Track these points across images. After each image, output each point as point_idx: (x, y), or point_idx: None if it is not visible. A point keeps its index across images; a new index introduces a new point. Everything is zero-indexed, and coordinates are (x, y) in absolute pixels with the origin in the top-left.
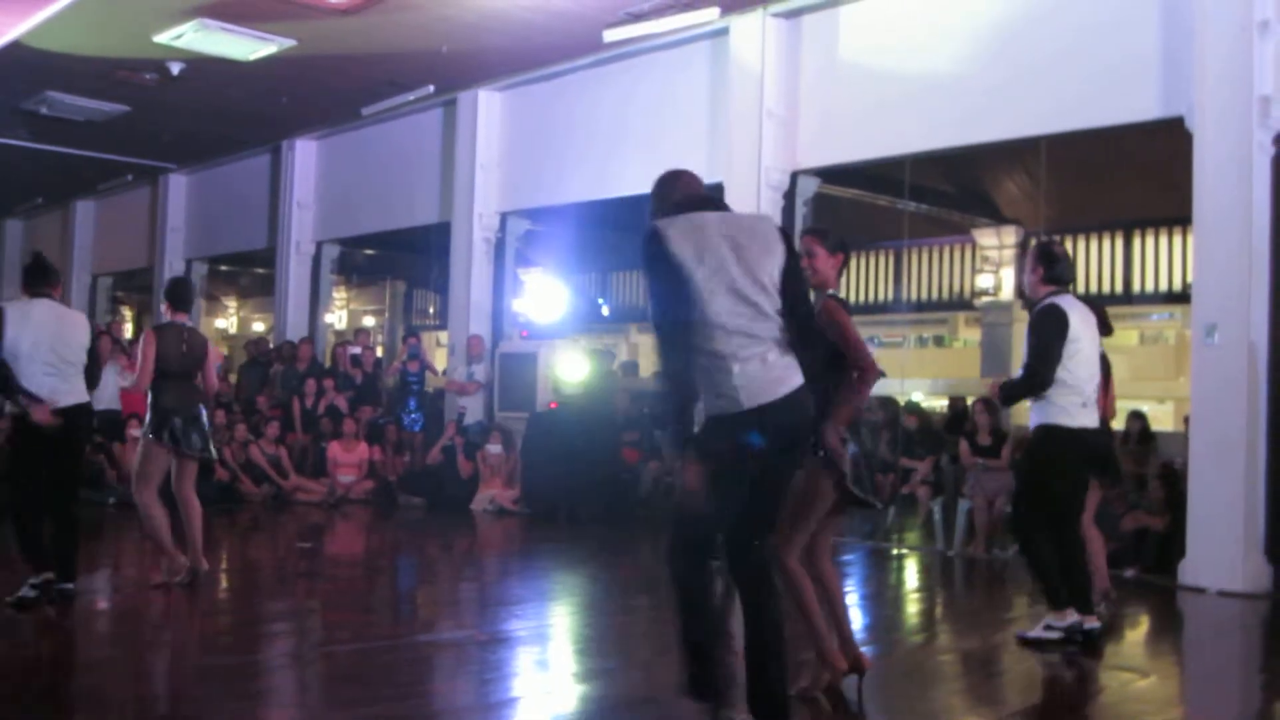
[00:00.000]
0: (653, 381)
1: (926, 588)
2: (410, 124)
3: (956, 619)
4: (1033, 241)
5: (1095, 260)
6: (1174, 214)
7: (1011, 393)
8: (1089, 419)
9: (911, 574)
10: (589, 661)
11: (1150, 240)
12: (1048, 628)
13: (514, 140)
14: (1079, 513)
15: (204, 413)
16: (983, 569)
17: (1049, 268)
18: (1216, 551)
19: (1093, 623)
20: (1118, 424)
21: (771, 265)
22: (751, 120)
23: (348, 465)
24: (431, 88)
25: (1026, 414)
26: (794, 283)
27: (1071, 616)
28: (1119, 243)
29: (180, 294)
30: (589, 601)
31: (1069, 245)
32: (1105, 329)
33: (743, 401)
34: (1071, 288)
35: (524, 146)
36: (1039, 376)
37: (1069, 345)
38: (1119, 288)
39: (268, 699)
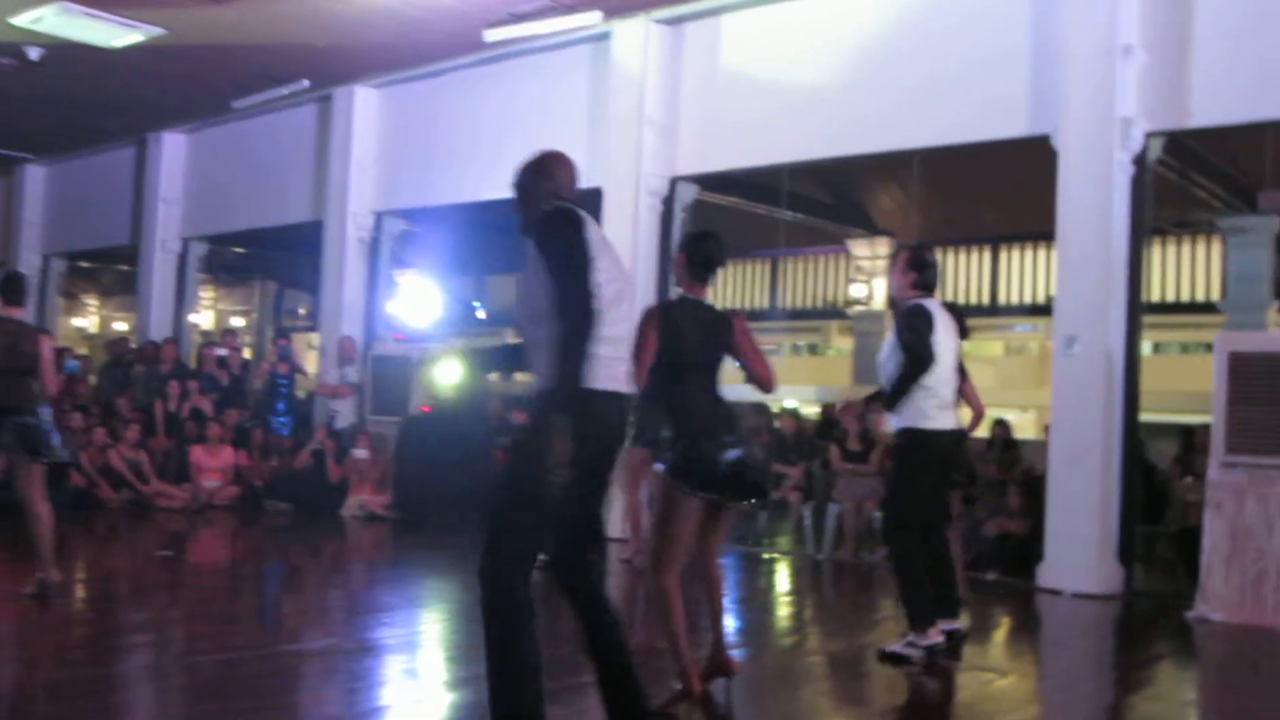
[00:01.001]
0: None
1: (796, 591)
2: (284, 119)
3: (825, 621)
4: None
5: (963, 272)
6: (1039, 229)
7: (897, 389)
8: (946, 420)
9: (782, 578)
10: (459, 669)
11: (1016, 254)
12: (910, 645)
13: (391, 139)
14: (945, 516)
15: (44, 413)
16: (851, 572)
17: (920, 273)
18: (1073, 555)
19: (956, 624)
20: (982, 432)
21: (629, 279)
22: (632, 126)
23: (212, 470)
24: (306, 82)
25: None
26: None
27: (935, 636)
28: (986, 256)
29: (12, 288)
30: (460, 609)
31: (938, 257)
32: (963, 333)
33: (594, 379)
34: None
35: (401, 145)
36: (921, 361)
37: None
38: (985, 299)
39: (124, 714)
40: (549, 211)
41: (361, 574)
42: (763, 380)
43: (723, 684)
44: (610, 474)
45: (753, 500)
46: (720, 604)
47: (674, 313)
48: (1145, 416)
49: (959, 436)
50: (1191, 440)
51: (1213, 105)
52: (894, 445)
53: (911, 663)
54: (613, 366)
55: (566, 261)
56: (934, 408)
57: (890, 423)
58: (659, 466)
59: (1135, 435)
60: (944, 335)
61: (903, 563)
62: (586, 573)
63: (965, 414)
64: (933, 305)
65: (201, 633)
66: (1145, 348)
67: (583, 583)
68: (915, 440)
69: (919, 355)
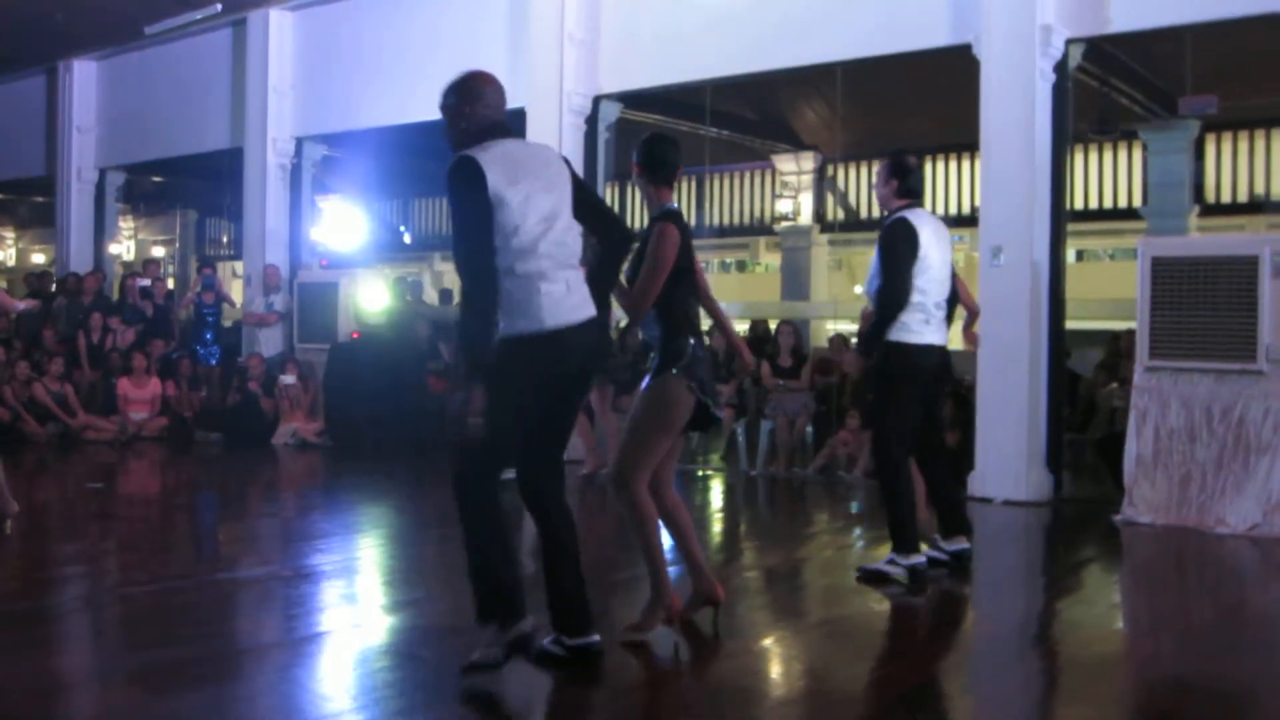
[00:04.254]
0: (453, 308)
1: (730, 507)
2: (198, 44)
3: (760, 537)
4: (830, 168)
5: None
6: (963, 140)
7: (874, 335)
8: (935, 336)
9: (716, 494)
10: (397, 593)
11: (941, 165)
12: (892, 563)
13: (309, 62)
14: (941, 435)
15: None
16: (784, 487)
17: (903, 179)
18: (1002, 463)
19: (963, 544)
20: None
21: (565, 190)
22: (553, 43)
23: (139, 401)
24: (219, 6)
25: (824, 337)
26: (587, 199)
27: (917, 557)
28: None
29: None
30: (395, 533)
31: (864, 171)
32: None
33: (545, 321)
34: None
35: (320, 69)
36: (895, 301)
37: (919, 262)
38: None
39: (58, 645)
40: (453, 162)
41: (295, 502)
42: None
43: (709, 613)
44: (575, 405)
45: (707, 425)
46: (691, 533)
47: (681, 220)
48: (1072, 324)
49: (946, 354)
50: (1117, 346)
51: (1131, 10)
52: (876, 359)
53: (893, 581)
54: (560, 298)
55: (456, 220)
56: (919, 321)
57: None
58: (657, 371)
59: (1062, 343)
60: (933, 247)
61: (890, 483)
62: (551, 490)
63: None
64: (918, 216)
65: (135, 563)
66: (1070, 256)
67: (549, 501)
68: (899, 355)
69: (894, 294)
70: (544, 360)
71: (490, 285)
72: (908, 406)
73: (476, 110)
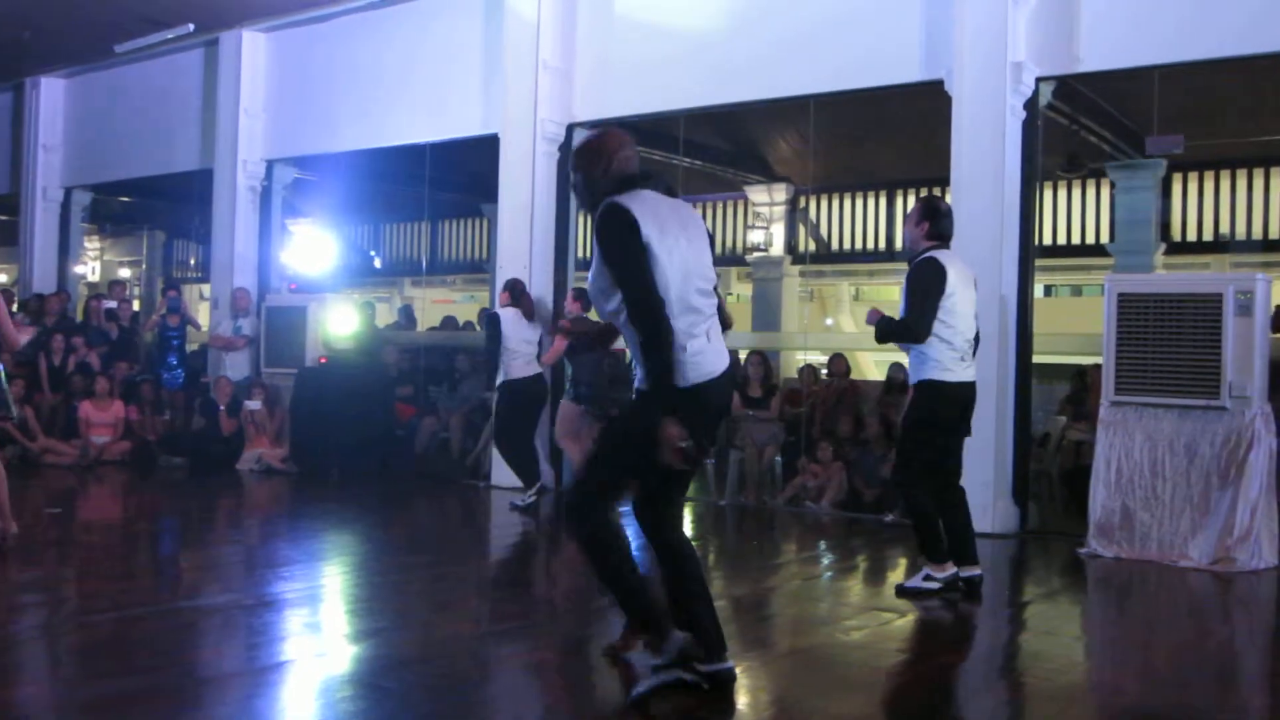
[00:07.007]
0: (421, 333)
1: (699, 536)
2: (169, 64)
3: (728, 566)
4: (802, 200)
5: (860, 218)
6: (934, 175)
7: (887, 331)
8: (966, 373)
9: (685, 523)
10: (361, 622)
11: (912, 199)
12: (927, 578)
13: (281, 84)
14: (959, 466)
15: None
16: (753, 517)
17: (934, 222)
18: (969, 495)
19: (974, 571)
20: (879, 375)
21: (706, 247)
22: (527, 71)
23: (101, 425)
24: (191, 26)
25: (794, 367)
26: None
27: (950, 569)
28: (883, 201)
29: None
30: (361, 561)
31: (836, 203)
32: None
33: (690, 377)
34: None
35: (292, 91)
36: (914, 330)
37: (946, 299)
38: (882, 245)
39: (14, 675)
40: (605, 209)
41: (259, 529)
42: None
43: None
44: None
45: None
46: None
47: None
48: (1038, 358)
49: (974, 390)
50: (1084, 380)
51: (1100, 51)
52: (913, 396)
53: (930, 596)
54: (703, 351)
55: (618, 270)
56: (954, 360)
57: (909, 374)
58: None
59: (1029, 377)
60: (960, 288)
61: (915, 504)
62: (673, 528)
63: None
64: (946, 257)
65: (95, 591)
66: (1038, 291)
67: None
68: (934, 393)
69: (917, 323)
70: (687, 413)
71: (666, 324)
72: (936, 441)
73: (612, 166)
